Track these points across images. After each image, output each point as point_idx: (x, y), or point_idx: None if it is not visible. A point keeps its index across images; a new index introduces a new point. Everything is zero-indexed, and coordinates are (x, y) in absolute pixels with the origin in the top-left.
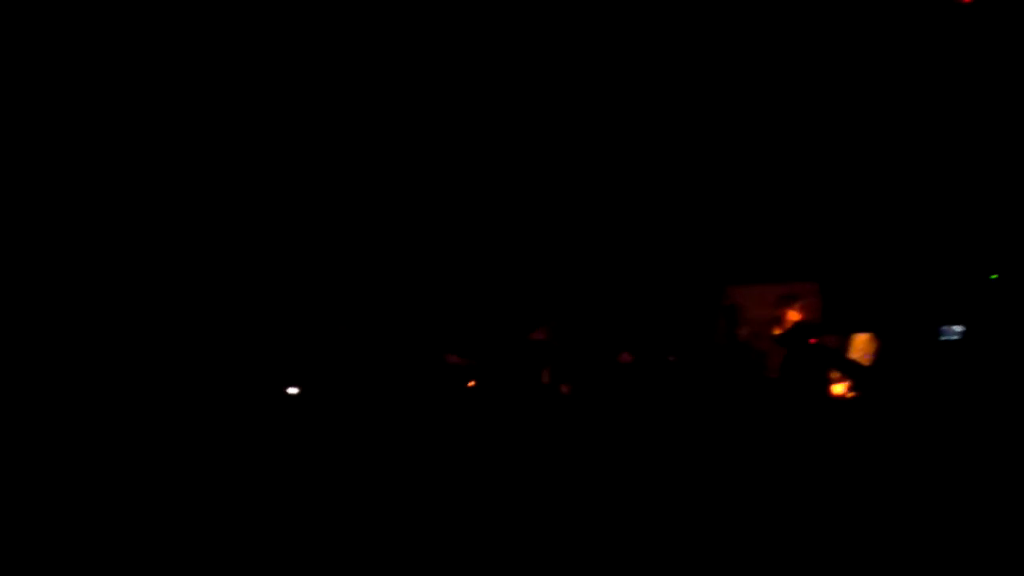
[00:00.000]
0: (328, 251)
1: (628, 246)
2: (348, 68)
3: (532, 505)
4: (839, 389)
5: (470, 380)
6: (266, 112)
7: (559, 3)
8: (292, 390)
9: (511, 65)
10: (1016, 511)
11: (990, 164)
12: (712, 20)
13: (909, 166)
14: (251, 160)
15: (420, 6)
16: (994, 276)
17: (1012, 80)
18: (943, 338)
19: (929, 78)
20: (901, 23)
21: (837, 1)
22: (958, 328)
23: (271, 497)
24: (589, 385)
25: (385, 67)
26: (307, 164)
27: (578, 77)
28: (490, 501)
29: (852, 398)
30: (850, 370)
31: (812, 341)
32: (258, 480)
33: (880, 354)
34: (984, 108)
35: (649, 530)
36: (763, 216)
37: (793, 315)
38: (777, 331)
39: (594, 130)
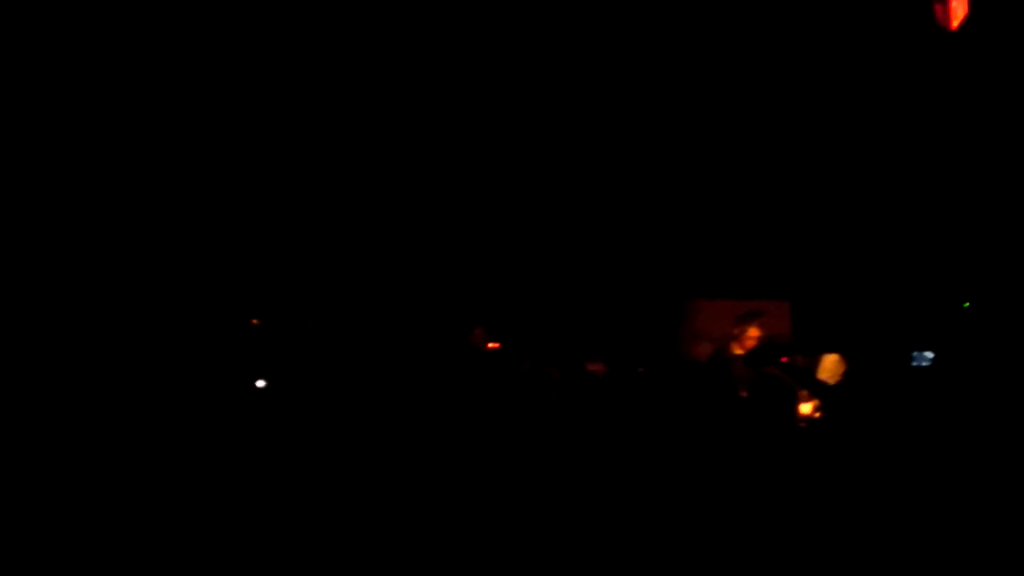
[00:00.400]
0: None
1: (600, 259)
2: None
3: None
4: (806, 409)
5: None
6: (236, 109)
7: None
8: (260, 383)
9: (468, 86)
10: (982, 539)
11: (964, 192)
12: (679, 43)
13: (886, 191)
14: (225, 155)
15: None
16: (967, 304)
17: (987, 110)
18: (914, 363)
19: (904, 102)
20: (879, 48)
21: (808, 29)
22: (929, 354)
23: (257, 493)
24: (559, 395)
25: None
26: (287, 160)
27: (546, 96)
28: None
29: (818, 418)
30: (818, 390)
31: (783, 360)
32: (242, 477)
33: (848, 376)
34: (958, 136)
35: (617, 545)
36: (736, 232)
37: (753, 332)
38: (737, 349)
39: (565, 146)
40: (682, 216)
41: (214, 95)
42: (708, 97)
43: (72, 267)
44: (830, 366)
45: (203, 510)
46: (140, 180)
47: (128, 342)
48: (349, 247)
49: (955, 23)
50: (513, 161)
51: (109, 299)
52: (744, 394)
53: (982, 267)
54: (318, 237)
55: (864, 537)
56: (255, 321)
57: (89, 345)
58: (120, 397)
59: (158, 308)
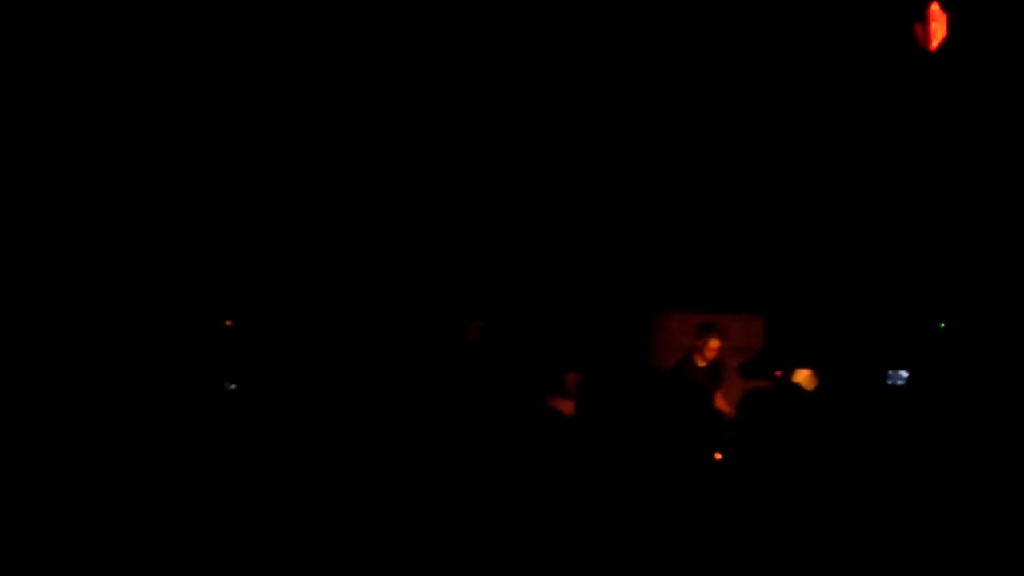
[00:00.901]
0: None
1: (573, 270)
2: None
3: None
4: None
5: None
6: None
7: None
8: (231, 386)
9: (440, 95)
10: (952, 556)
11: (944, 211)
12: (646, 65)
13: (864, 210)
14: (198, 157)
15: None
16: (942, 325)
17: (966, 130)
18: (888, 382)
19: (883, 122)
20: (858, 68)
21: (785, 50)
22: (904, 373)
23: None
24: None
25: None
26: (262, 160)
27: (522, 105)
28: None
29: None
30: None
31: (777, 373)
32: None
33: (820, 391)
34: (936, 156)
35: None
36: (710, 246)
37: (714, 343)
38: (700, 360)
39: (545, 155)
40: (657, 229)
41: (188, 94)
42: (686, 110)
43: (42, 267)
44: (803, 380)
45: (172, 515)
46: (112, 180)
47: (99, 342)
48: (328, 246)
49: (935, 44)
50: (490, 171)
51: (81, 299)
52: (725, 407)
53: (958, 288)
54: (295, 236)
55: (835, 554)
56: (228, 322)
57: (60, 345)
58: (89, 398)
59: (130, 308)
